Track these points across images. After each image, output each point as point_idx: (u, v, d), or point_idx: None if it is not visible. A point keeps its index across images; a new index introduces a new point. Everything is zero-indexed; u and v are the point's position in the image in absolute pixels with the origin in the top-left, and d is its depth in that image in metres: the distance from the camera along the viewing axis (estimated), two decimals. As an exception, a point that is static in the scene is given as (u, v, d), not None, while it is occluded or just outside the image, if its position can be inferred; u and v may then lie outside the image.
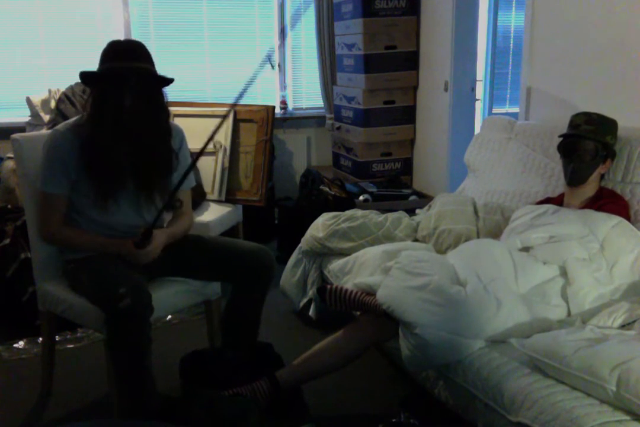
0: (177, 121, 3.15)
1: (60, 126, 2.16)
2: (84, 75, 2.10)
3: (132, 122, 2.05)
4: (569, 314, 2.07)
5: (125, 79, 2.02)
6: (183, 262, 2.30)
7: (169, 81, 2.13)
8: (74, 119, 2.20)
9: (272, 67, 2.06)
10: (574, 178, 2.43)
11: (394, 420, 2.10)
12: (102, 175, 2.11)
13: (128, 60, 2.03)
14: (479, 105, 4.76)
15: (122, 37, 4.53)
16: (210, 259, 2.30)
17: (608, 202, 2.38)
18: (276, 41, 4.75)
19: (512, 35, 5.32)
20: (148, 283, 2.25)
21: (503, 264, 2.13)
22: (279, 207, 4.21)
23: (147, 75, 2.06)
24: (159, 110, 2.13)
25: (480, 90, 4.80)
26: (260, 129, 3.70)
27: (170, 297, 2.28)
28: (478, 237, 2.72)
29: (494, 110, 5.24)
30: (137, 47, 2.09)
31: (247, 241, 2.40)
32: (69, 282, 2.23)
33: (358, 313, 2.33)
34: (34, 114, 4.06)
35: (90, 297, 2.08)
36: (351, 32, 4.52)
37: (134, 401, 2.01)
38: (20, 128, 3.94)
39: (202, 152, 2.00)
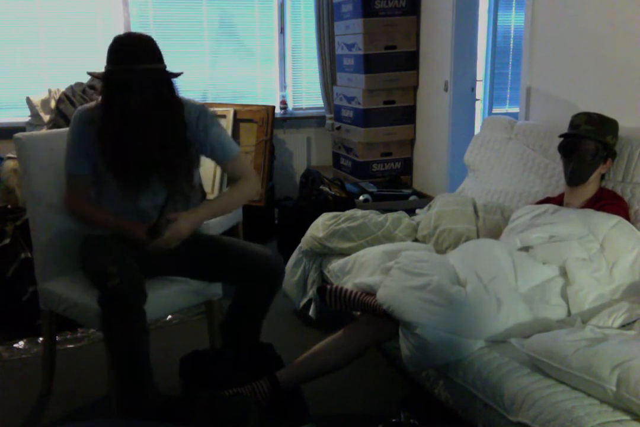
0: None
1: (80, 108, 2.18)
2: (90, 74, 2.13)
3: (141, 121, 2.04)
4: (569, 314, 2.07)
5: (131, 83, 2.00)
6: (193, 262, 2.28)
7: (176, 75, 2.11)
8: (92, 103, 2.19)
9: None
10: (574, 178, 2.43)
11: (394, 420, 2.10)
12: (121, 169, 2.10)
13: (132, 63, 2.00)
14: (479, 105, 4.77)
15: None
16: (219, 262, 2.27)
17: (608, 203, 2.38)
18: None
19: (512, 35, 5.33)
20: (150, 280, 2.24)
21: (503, 264, 2.13)
22: (279, 207, 4.21)
23: (152, 76, 2.04)
24: (168, 106, 2.09)
25: (480, 90, 4.81)
26: (260, 129, 3.71)
27: (171, 297, 2.28)
28: (478, 237, 2.72)
29: (494, 110, 5.24)
30: (141, 44, 2.04)
31: (258, 245, 2.34)
32: (80, 255, 2.23)
33: (358, 313, 2.33)
34: (34, 114, 4.06)
35: (86, 273, 2.11)
36: (351, 32, 4.53)
37: (132, 398, 2.00)
38: (20, 128, 3.94)
39: None
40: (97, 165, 2.15)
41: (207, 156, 2.28)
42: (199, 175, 2.38)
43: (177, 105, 2.13)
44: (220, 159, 2.29)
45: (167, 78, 2.09)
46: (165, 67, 2.08)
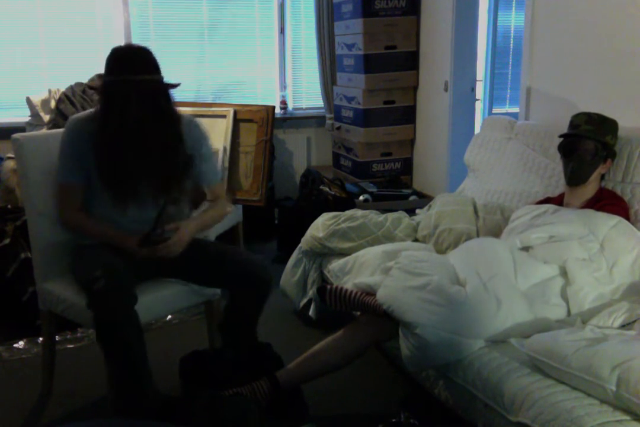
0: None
1: (74, 117, 2.18)
2: (90, 87, 2.13)
3: (139, 132, 2.05)
4: (568, 313, 2.07)
5: (129, 94, 2.01)
6: (185, 266, 2.27)
7: (174, 86, 2.12)
8: (87, 111, 2.20)
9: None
10: (574, 178, 2.43)
11: (394, 420, 2.10)
12: (115, 180, 2.11)
13: (131, 74, 2.01)
14: (479, 105, 4.77)
15: (122, 38, 4.53)
16: (209, 268, 2.26)
17: (608, 203, 2.38)
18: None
19: (512, 35, 5.33)
20: (148, 281, 2.25)
21: (504, 261, 2.13)
22: (279, 207, 4.21)
23: (151, 88, 2.05)
24: (166, 117, 2.11)
25: (480, 90, 4.81)
26: (260, 129, 3.70)
27: (171, 297, 2.28)
28: (478, 237, 2.72)
29: (494, 110, 5.24)
30: (140, 55, 2.05)
31: (249, 253, 2.37)
32: (71, 263, 2.24)
33: (358, 313, 2.33)
34: (34, 114, 4.06)
35: (75, 279, 2.12)
36: (351, 32, 4.53)
37: (130, 398, 2.00)
38: (20, 128, 3.94)
39: None
40: (89, 174, 2.15)
41: (193, 176, 2.27)
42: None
43: (174, 116, 2.15)
44: (207, 182, 2.31)
45: (164, 89, 2.10)
46: (163, 78, 2.09)
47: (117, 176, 2.11)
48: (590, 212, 2.32)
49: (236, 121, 3.72)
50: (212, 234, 3.22)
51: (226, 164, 3.65)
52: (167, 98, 2.12)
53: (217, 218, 2.36)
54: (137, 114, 2.02)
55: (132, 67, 2.02)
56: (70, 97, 3.97)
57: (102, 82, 2.07)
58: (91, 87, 2.14)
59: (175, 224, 2.12)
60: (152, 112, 2.05)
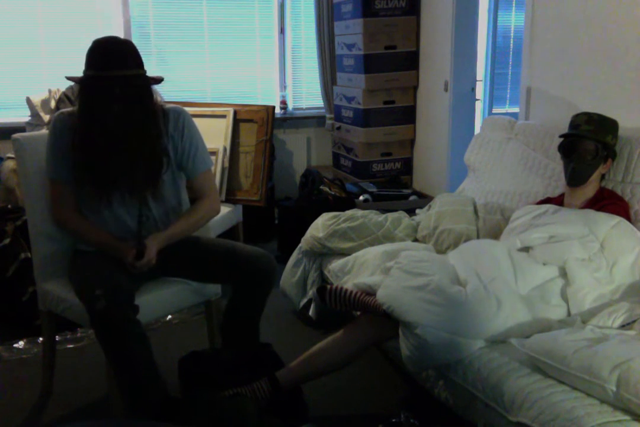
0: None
1: (59, 112, 2.16)
2: (69, 78, 2.10)
3: (119, 128, 2.02)
4: (569, 314, 2.07)
5: (110, 89, 1.97)
6: (184, 264, 2.28)
7: (158, 81, 2.10)
8: (70, 109, 2.18)
9: None
10: (574, 178, 2.43)
11: (394, 420, 2.09)
12: (92, 176, 2.10)
13: (112, 69, 1.96)
14: (479, 105, 4.76)
15: (121, 37, 4.53)
16: (210, 262, 2.27)
17: (608, 203, 2.38)
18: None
19: (512, 35, 5.33)
20: (149, 281, 2.25)
21: (502, 265, 2.13)
22: (279, 207, 4.21)
23: (132, 83, 2.01)
24: (147, 113, 2.07)
25: (480, 90, 4.80)
26: (260, 129, 3.71)
27: (170, 297, 2.28)
28: (478, 237, 2.72)
29: (494, 110, 5.24)
30: (121, 49, 2.01)
31: (250, 246, 2.34)
32: (68, 272, 2.23)
33: (358, 313, 2.33)
34: (34, 114, 4.06)
35: (75, 291, 2.10)
36: (351, 32, 4.53)
37: (136, 401, 2.01)
38: (20, 128, 3.94)
39: None
40: (74, 171, 2.13)
41: (180, 164, 2.23)
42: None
43: (156, 112, 2.11)
44: (191, 172, 2.25)
45: (147, 84, 2.07)
46: (145, 72, 2.07)
47: (96, 172, 2.08)
48: (591, 212, 2.32)
49: (236, 121, 3.73)
50: (212, 233, 3.21)
51: (226, 164, 3.66)
52: (149, 93, 2.08)
53: (201, 222, 2.28)
54: (119, 109, 1.99)
55: (114, 62, 1.97)
56: (70, 97, 3.97)
57: (83, 75, 2.03)
58: (70, 78, 2.10)
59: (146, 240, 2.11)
60: (134, 107, 2.02)
